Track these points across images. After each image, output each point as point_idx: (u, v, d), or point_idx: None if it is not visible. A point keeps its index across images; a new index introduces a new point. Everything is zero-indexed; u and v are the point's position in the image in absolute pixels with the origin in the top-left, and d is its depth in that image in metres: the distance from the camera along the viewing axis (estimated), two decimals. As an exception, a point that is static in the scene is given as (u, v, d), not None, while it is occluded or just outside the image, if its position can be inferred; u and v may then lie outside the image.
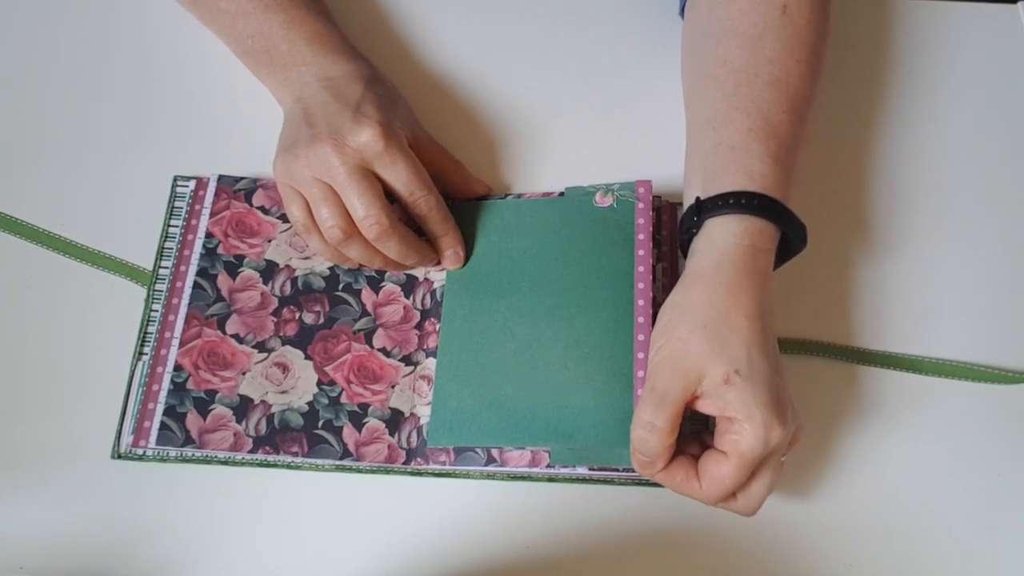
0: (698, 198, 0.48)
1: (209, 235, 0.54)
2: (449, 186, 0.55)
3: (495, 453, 0.49)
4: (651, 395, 0.44)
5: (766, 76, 0.50)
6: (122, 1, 0.64)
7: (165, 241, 0.55)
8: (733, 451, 0.43)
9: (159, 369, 0.51)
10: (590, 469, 0.48)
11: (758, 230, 0.46)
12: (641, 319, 0.49)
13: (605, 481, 0.50)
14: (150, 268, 0.55)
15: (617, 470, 0.48)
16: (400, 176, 0.51)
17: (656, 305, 0.49)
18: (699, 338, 0.44)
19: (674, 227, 0.56)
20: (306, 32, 0.55)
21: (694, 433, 0.48)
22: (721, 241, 0.46)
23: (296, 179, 0.51)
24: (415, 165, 0.51)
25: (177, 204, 0.56)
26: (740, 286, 0.45)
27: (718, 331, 0.44)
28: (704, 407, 0.44)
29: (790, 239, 0.47)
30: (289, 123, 0.54)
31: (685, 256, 0.48)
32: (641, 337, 0.49)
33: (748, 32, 0.51)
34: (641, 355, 0.49)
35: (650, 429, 0.43)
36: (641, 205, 0.52)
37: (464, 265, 0.54)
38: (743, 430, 0.42)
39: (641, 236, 0.52)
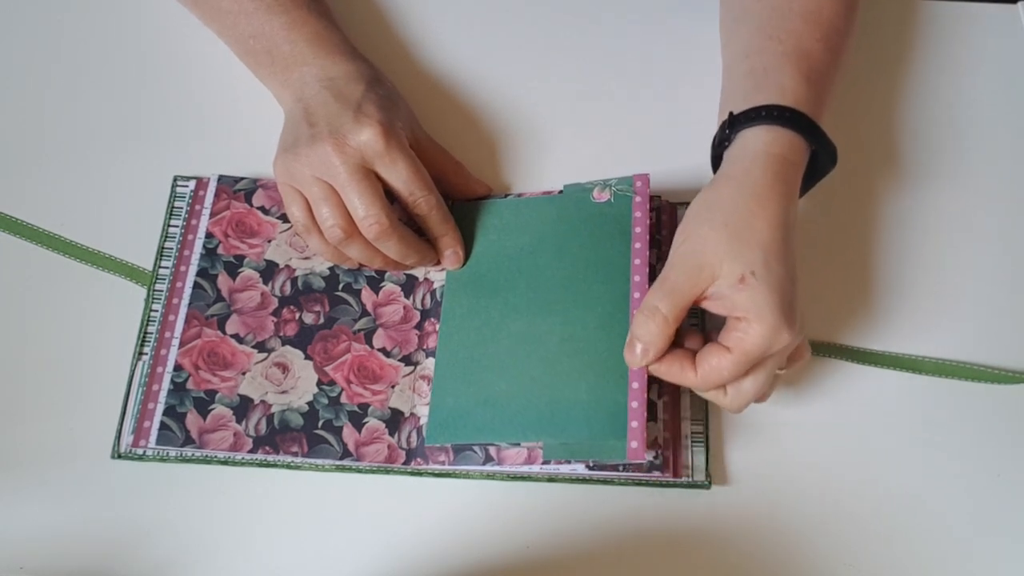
0: (731, 112, 0.49)
1: (209, 235, 0.54)
2: (449, 187, 0.55)
3: (492, 451, 0.49)
4: (662, 284, 0.45)
5: (799, 9, 0.52)
6: (122, 1, 0.64)
7: (165, 241, 0.55)
8: (737, 346, 0.44)
9: (159, 369, 0.51)
10: (587, 467, 0.48)
11: (788, 142, 0.47)
12: (636, 312, 0.49)
13: (605, 481, 0.50)
14: (150, 268, 0.55)
15: (617, 469, 0.48)
16: (400, 175, 0.51)
17: None
18: (719, 236, 0.44)
19: (673, 227, 0.56)
20: (307, 33, 0.55)
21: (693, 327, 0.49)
22: (752, 148, 0.47)
23: (296, 178, 0.51)
24: (415, 165, 0.51)
25: (177, 204, 0.56)
26: (768, 192, 0.46)
27: (739, 232, 0.44)
28: (714, 307, 0.45)
29: (820, 159, 0.49)
30: (290, 123, 0.54)
31: (715, 172, 0.50)
32: None
33: None
34: None
35: (652, 313, 0.44)
36: (638, 199, 0.52)
37: (463, 265, 0.54)
38: (750, 328, 0.43)
39: (638, 229, 0.52)
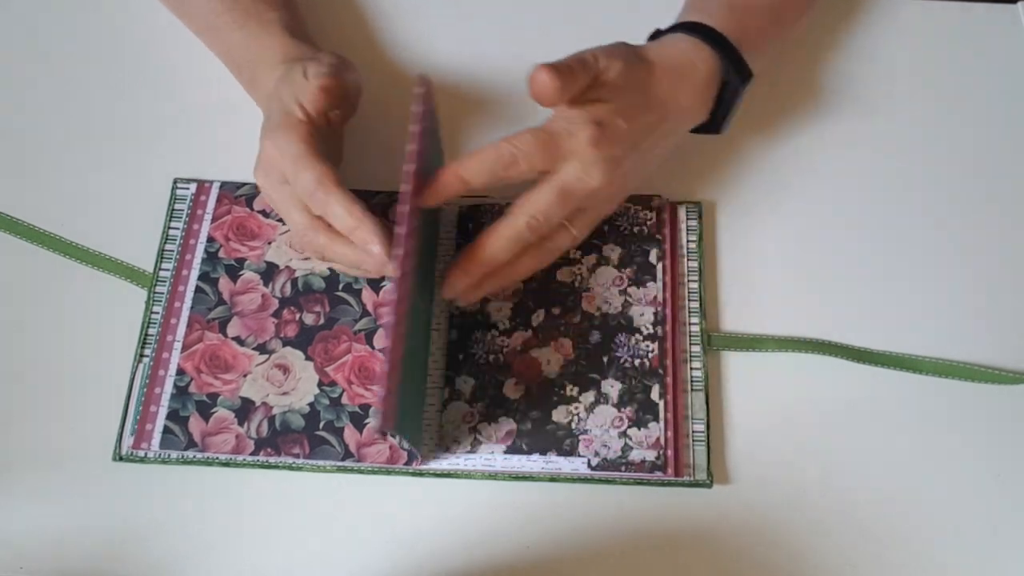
0: (657, 29, 0.55)
1: (211, 239, 0.54)
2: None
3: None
4: (597, 50, 0.48)
5: None
6: (123, 3, 0.64)
7: (165, 243, 0.55)
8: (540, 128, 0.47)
9: (160, 372, 0.51)
10: (588, 466, 0.48)
11: (696, 48, 0.52)
12: (400, 229, 0.44)
13: (607, 481, 0.50)
14: (150, 270, 0.54)
15: (619, 468, 0.48)
16: (304, 188, 0.47)
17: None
18: (637, 70, 0.49)
19: (674, 226, 0.56)
20: (262, 46, 0.54)
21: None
22: (668, 42, 0.52)
23: (268, 192, 0.50)
24: (319, 172, 0.47)
25: (177, 206, 0.56)
26: (673, 75, 0.50)
27: (644, 92, 0.50)
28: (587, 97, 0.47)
29: (731, 77, 0.52)
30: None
31: None
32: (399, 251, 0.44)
33: None
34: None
35: (575, 62, 0.46)
36: (418, 90, 0.47)
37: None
38: (562, 113, 0.47)
39: (413, 127, 0.45)
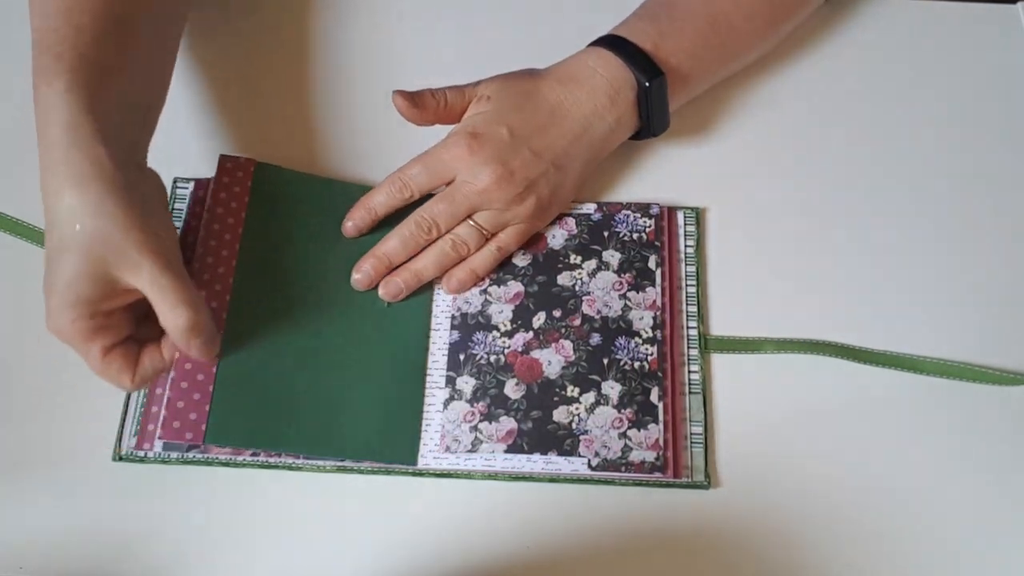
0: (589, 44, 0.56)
1: None
2: None
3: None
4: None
5: None
6: (121, 0, 0.64)
7: (165, 242, 0.55)
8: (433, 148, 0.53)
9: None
10: (588, 467, 0.48)
11: (605, 61, 0.54)
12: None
13: (606, 481, 0.50)
14: (150, 269, 0.54)
15: (619, 469, 0.49)
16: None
17: None
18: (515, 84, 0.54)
19: (673, 232, 0.56)
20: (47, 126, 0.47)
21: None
22: (572, 57, 0.55)
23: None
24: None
25: (177, 206, 0.56)
26: (566, 87, 0.54)
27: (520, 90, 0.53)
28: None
29: (651, 91, 0.54)
30: None
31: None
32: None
33: None
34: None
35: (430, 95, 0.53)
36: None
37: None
38: (446, 140, 0.52)
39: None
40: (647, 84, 0.53)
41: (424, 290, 0.53)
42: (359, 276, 0.52)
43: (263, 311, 0.50)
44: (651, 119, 0.55)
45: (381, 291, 0.53)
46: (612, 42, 0.55)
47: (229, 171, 0.53)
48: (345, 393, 0.50)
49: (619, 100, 0.54)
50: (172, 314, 0.43)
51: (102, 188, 0.42)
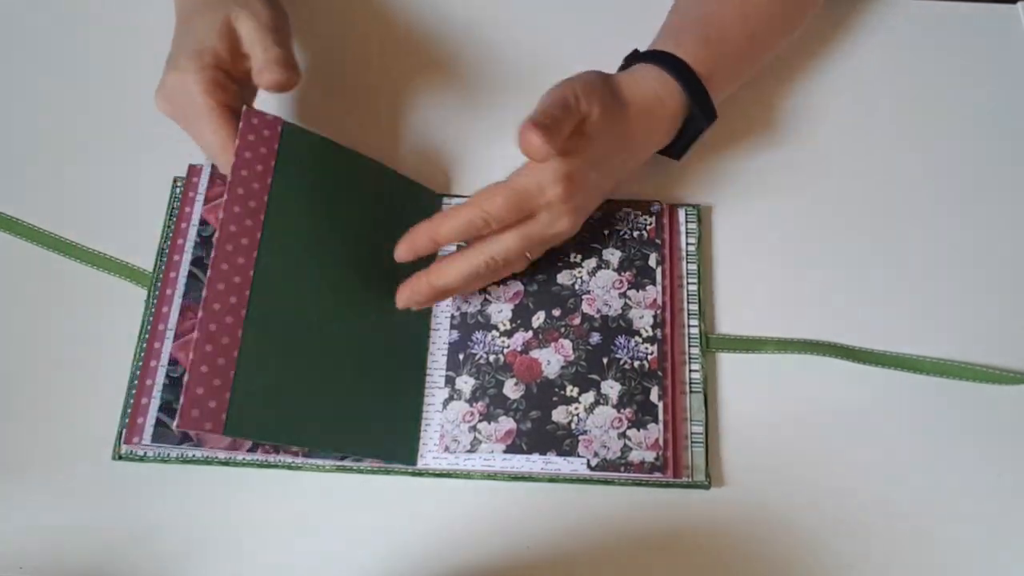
0: (636, 50, 0.54)
1: (203, 222, 0.53)
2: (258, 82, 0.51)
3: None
4: (566, 83, 0.48)
5: None
6: (123, 3, 0.64)
7: (165, 242, 0.54)
8: (512, 178, 0.48)
9: (152, 363, 0.50)
10: (587, 467, 0.48)
11: (664, 81, 0.52)
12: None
13: (606, 481, 0.50)
14: (150, 269, 0.54)
15: (618, 469, 0.48)
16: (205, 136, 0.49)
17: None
18: (611, 111, 0.49)
19: (674, 230, 0.56)
20: None
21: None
22: (638, 73, 0.52)
23: (169, 115, 0.51)
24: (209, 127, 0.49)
25: (177, 205, 0.55)
26: (634, 111, 0.51)
27: (613, 121, 0.49)
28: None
29: (696, 115, 0.53)
30: None
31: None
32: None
33: None
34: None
35: (564, 101, 0.46)
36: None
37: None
38: (529, 168, 0.48)
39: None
40: (704, 126, 0.53)
41: None
42: (405, 301, 0.50)
43: (286, 291, 0.47)
44: (686, 151, 0.56)
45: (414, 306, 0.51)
46: (676, 68, 0.52)
47: (255, 128, 0.49)
48: (350, 390, 0.49)
49: (672, 130, 0.54)
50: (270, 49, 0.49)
51: None
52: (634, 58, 0.54)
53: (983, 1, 0.66)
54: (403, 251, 0.49)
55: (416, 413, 0.50)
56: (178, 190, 0.56)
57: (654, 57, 0.53)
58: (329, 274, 0.50)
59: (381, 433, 0.49)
